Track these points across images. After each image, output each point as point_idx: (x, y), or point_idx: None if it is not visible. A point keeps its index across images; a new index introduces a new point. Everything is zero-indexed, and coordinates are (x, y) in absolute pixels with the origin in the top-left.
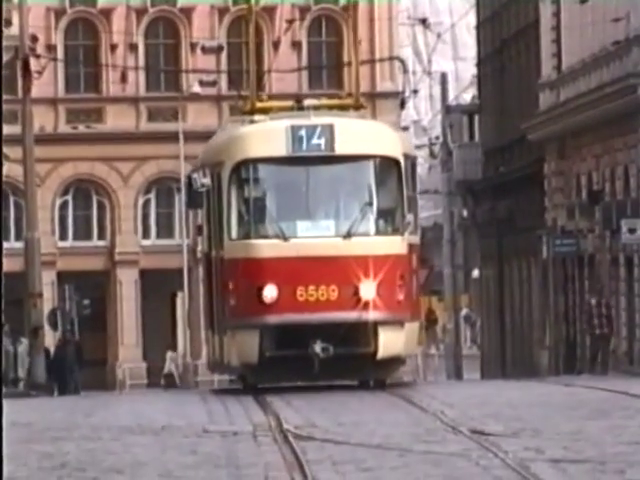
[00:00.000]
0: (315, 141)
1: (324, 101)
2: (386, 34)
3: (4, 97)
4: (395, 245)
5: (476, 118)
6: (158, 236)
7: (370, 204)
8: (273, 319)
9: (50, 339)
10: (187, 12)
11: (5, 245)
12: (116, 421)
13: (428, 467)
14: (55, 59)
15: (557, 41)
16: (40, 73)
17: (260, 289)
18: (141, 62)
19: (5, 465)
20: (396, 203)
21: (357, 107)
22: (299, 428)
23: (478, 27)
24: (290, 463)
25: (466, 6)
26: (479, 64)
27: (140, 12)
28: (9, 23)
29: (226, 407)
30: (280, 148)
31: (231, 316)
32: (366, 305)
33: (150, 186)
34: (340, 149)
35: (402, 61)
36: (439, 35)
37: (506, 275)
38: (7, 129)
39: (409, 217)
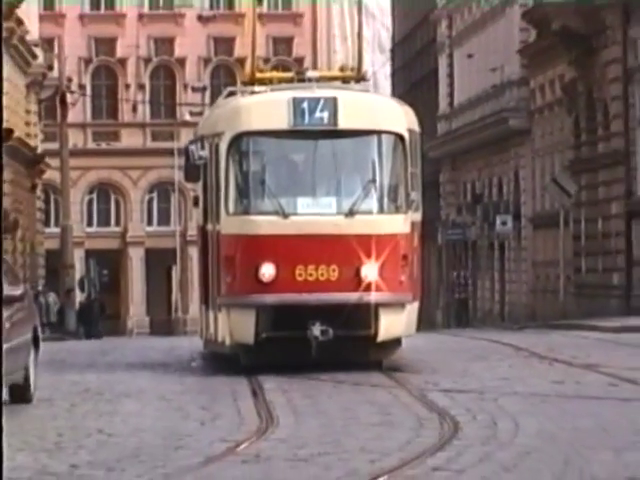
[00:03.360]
0: (318, 114)
1: (325, 72)
2: None
3: (48, 122)
4: (398, 224)
5: None
6: (158, 224)
7: (373, 181)
8: (270, 299)
9: (79, 299)
10: (181, 61)
11: (47, 230)
12: (126, 359)
13: (354, 395)
14: (84, 94)
15: (450, 84)
16: (73, 104)
17: (257, 267)
18: (147, 97)
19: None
20: (400, 180)
21: (359, 79)
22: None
23: (393, 74)
24: (252, 390)
25: (383, 59)
26: None
27: (147, 61)
28: (51, 68)
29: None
30: (281, 121)
31: (226, 294)
32: (368, 286)
33: (153, 188)
34: (343, 123)
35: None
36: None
37: None
38: (49, 145)
39: (413, 194)
